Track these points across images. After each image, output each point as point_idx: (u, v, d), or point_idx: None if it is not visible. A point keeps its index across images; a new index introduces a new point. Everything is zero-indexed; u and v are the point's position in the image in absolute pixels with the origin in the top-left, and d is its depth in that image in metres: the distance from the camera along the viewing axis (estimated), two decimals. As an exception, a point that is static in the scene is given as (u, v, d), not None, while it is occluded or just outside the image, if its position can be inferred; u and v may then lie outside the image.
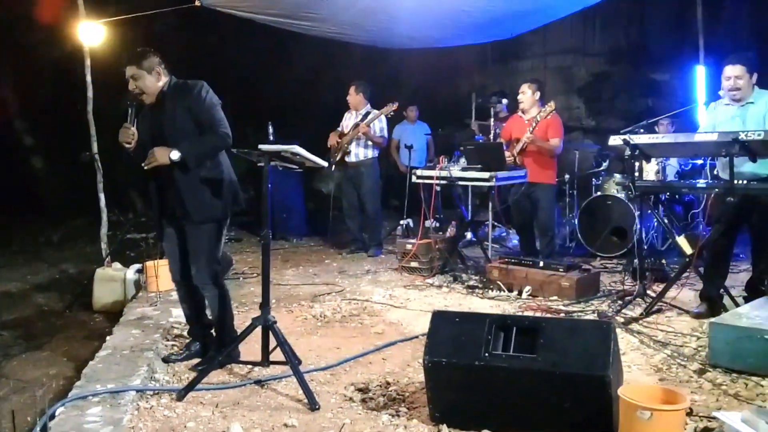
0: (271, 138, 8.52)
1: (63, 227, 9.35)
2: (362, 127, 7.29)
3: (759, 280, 4.86)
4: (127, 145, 3.77)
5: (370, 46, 8.26)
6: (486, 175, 6.09)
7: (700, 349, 4.12)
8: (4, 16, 9.37)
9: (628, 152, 4.86)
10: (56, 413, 3.19)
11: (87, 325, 5.20)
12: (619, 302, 5.19)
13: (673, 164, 6.97)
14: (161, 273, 5.28)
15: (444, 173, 6.39)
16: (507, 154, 6.31)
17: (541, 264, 5.70)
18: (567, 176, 7.92)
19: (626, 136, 4.82)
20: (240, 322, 4.34)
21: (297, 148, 3.61)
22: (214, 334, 4.11)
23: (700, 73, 7.42)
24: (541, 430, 2.96)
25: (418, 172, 6.71)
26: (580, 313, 5.06)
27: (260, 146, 3.65)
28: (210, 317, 4.11)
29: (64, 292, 6.12)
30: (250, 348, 3.98)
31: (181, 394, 3.48)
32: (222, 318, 3.98)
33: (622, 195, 7.22)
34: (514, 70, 11.46)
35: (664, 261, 6.15)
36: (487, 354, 3.02)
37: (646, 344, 4.29)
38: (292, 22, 6.90)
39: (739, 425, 2.74)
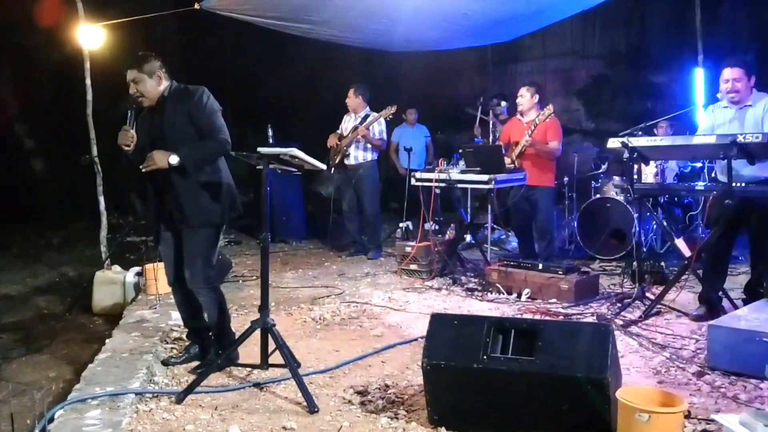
0: (271, 140, 8.55)
1: (63, 230, 9.36)
2: (361, 129, 7.30)
3: (757, 283, 4.87)
4: (126, 148, 3.77)
5: (369, 48, 8.27)
6: (485, 177, 6.10)
7: (698, 351, 4.13)
8: (3, 18, 9.38)
9: (626, 155, 4.88)
10: (55, 416, 3.20)
11: (86, 328, 5.20)
12: (618, 305, 5.19)
13: (672, 167, 6.98)
14: (160, 276, 5.27)
15: (443, 176, 6.40)
16: (506, 159, 6.32)
17: (540, 266, 5.71)
18: (566, 179, 7.92)
19: (625, 139, 4.83)
20: (239, 324, 4.35)
21: (295, 151, 3.62)
22: (212, 337, 4.11)
23: (699, 75, 7.42)
24: (539, 433, 2.97)
25: (417, 174, 6.72)
26: (579, 316, 5.06)
27: (259, 149, 3.65)
28: (206, 321, 4.11)
29: (64, 295, 6.12)
30: (249, 351, 3.99)
31: (180, 397, 3.48)
32: (220, 321, 3.98)
33: (621, 197, 7.23)
34: (514, 73, 11.48)
35: (663, 263, 6.16)
36: (485, 356, 3.02)
37: (645, 347, 4.29)
38: (291, 25, 6.91)
39: (738, 428, 2.74)
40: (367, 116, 7.42)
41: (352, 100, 7.53)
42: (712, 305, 4.82)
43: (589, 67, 11.17)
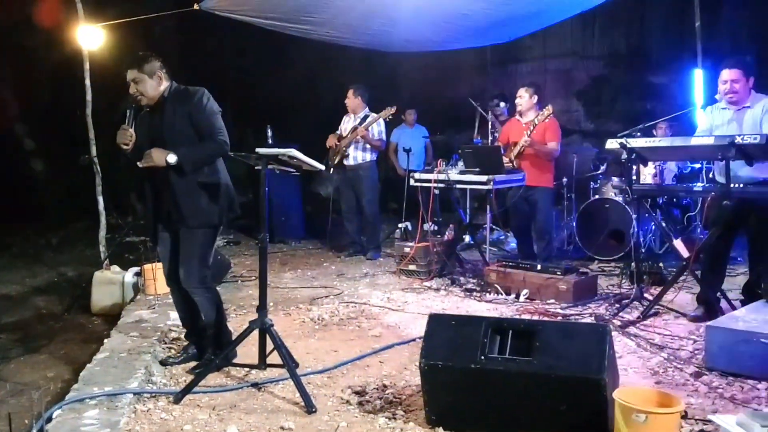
0: (270, 141, 8.55)
1: (62, 230, 9.36)
2: (360, 130, 7.31)
3: (756, 284, 4.86)
4: (125, 147, 3.78)
5: (369, 49, 8.27)
6: (484, 178, 6.11)
7: (696, 352, 4.13)
8: (4, 19, 9.39)
9: (625, 155, 4.88)
10: (53, 416, 3.20)
11: (85, 328, 5.21)
12: (617, 305, 5.20)
13: (671, 167, 6.98)
14: (159, 276, 5.29)
15: (442, 176, 6.40)
16: (504, 159, 6.33)
17: (539, 267, 5.71)
18: (565, 179, 7.93)
19: (623, 140, 4.83)
20: (238, 325, 4.36)
21: (294, 152, 3.63)
22: (210, 337, 4.11)
23: (699, 76, 7.43)
24: (536, 433, 2.97)
25: (416, 175, 6.72)
26: (577, 316, 5.07)
27: (257, 150, 3.66)
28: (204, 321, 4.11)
29: (63, 295, 6.13)
30: (248, 351, 4.00)
31: (178, 397, 3.49)
32: (216, 321, 3.98)
33: (619, 198, 7.23)
34: (514, 74, 11.47)
35: (661, 264, 6.16)
36: (483, 357, 3.02)
37: (643, 347, 4.29)
38: (291, 26, 6.92)
39: (735, 428, 2.75)
40: (366, 117, 7.42)
41: (351, 100, 7.54)
42: (710, 306, 4.83)
43: (588, 67, 11.17)
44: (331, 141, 7.59)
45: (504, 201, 6.75)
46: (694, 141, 4.66)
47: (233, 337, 4.06)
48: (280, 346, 3.65)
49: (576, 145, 9.92)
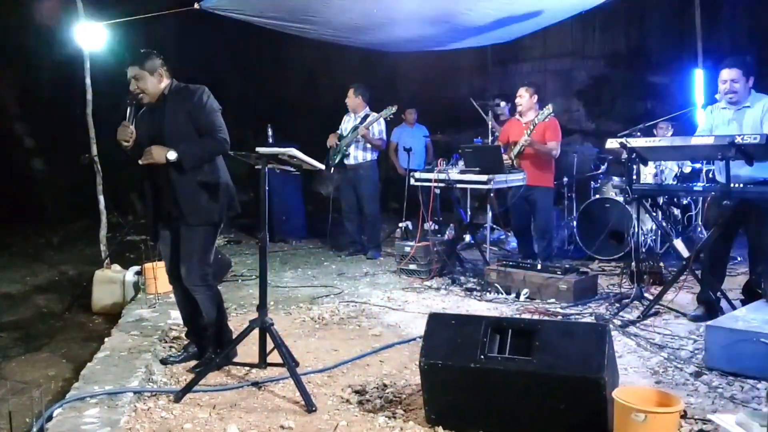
0: (271, 140, 8.55)
1: (63, 229, 9.37)
2: (361, 129, 7.31)
3: (756, 283, 4.87)
4: (125, 143, 3.78)
5: (369, 49, 8.28)
6: (484, 177, 6.11)
7: (696, 352, 4.14)
8: (4, 18, 9.39)
9: (625, 155, 4.88)
10: (54, 414, 3.21)
11: (86, 327, 5.21)
12: (617, 305, 5.20)
13: (672, 167, 6.98)
14: (160, 275, 5.29)
15: (442, 176, 6.40)
16: (504, 157, 6.33)
17: (539, 267, 5.71)
18: (566, 179, 7.94)
19: (623, 140, 4.84)
20: (238, 324, 4.36)
21: (294, 151, 3.63)
22: (210, 335, 4.11)
23: (699, 76, 7.43)
24: (536, 432, 2.98)
25: (417, 174, 6.73)
26: (577, 316, 5.07)
27: (258, 149, 3.66)
28: (205, 319, 4.12)
29: (64, 293, 6.13)
30: (248, 350, 4.00)
31: (178, 396, 3.49)
32: (217, 320, 3.99)
33: (620, 198, 7.23)
34: (514, 73, 11.47)
35: (662, 264, 6.16)
36: (482, 356, 3.03)
37: (643, 347, 4.30)
38: (291, 25, 6.92)
39: (734, 428, 2.75)
40: (366, 116, 7.43)
41: (352, 100, 7.55)
42: (710, 306, 4.83)
43: (589, 67, 11.17)
44: (331, 140, 7.59)
45: (504, 200, 6.75)
46: (694, 141, 4.67)
47: (234, 336, 4.06)
48: (280, 345, 3.65)
49: (576, 144, 9.91)
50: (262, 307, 3.71)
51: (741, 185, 4.57)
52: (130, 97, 3.83)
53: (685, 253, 5.06)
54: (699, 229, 7.11)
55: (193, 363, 4.05)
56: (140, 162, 3.73)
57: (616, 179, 7.51)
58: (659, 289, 5.25)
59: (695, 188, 5.59)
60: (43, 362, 4.37)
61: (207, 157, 3.82)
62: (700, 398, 3.45)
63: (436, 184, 6.47)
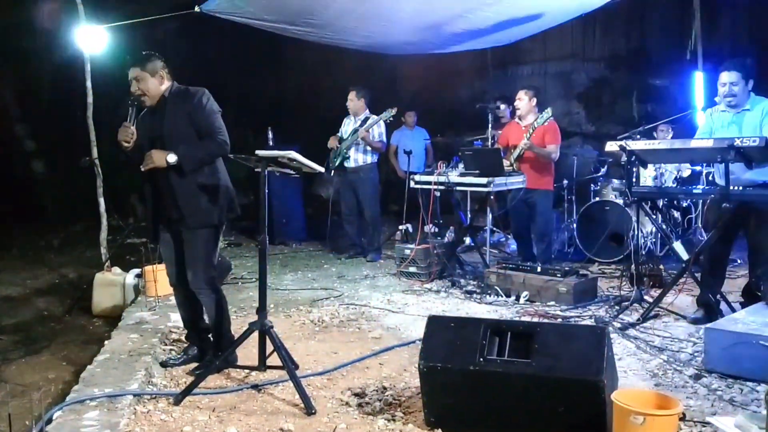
0: (271, 143, 8.55)
1: (63, 232, 9.37)
2: (361, 132, 7.32)
3: (755, 286, 4.87)
4: (126, 144, 3.79)
5: (369, 51, 8.29)
6: (484, 180, 6.11)
7: (696, 354, 4.14)
8: (4, 21, 9.41)
9: (624, 158, 4.89)
10: (53, 417, 3.21)
11: (86, 330, 5.21)
12: (617, 307, 5.20)
13: (671, 170, 6.99)
14: (160, 278, 5.29)
15: (442, 178, 6.41)
16: (504, 161, 6.33)
17: (539, 269, 5.72)
18: (565, 181, 7.94)
19: (623, 142, 4.84)
20: (238, 326, 4.36)
21: (293, 154, 3.63)
22: (211, 338, 4.12)
23: (699, 78, 7.44)
24: (535, 435, 2.98)
25: (417, 177, 6.73)
26: (577, 319, 5.07)
27: (257, 152, 3.67)
28: (207, 322, 4.12)
29: (64, 296, 6.13)
30: (248, 353, 4.00)
31: (178, 399, 3.50)
32: (219, 323, 3.99)
33: (620, 201, 7.24)
34: (514, 76, 11.48)
35: (661, 266, 6.16)
36: (481, 359, 3.03)
37: (643, 349, 4.30)
38: (291, 28, 6.93)
39: (733, 430, 2.76)
40: (366, 119, 7.44)
41: (354, 102, 7.54)
42: (710, 308, 4.83)
43: (589, 70, 11.19)
44: (332, 143, 7.60)
45: (504, 203, 6.75)
46: (694, 143, 4.66)
47: (234, 339, 4.06)
48: (279, 348, 3.66)
49: (576, 147, 9.92)
50: (261, 309, 3.72)
51: (740, 188, 4.57)
52: (131, 98, 3.84)
53: (685, 256, 5.05)
54: (699, 231, 7.11)
55: (193, 366, 4.05)
56: (141, 168, 3.74)
57: (616, 182, 7.51)
58: (659, 291, 5.25)
59: (695, 191, 5.59)
60: (43, 365, 4.37)
61: (207, 159, 3.82)
62: (700, 401, 3.45)
63: (436, 187, 6.47)
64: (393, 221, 9.12)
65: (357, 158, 7.50)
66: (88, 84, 6.02)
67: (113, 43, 6.19)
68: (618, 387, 3.15)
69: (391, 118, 7.42)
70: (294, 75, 11.50)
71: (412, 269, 6.57)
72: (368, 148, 7.45)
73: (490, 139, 7.64)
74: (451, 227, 7.26)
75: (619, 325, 4.76)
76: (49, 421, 3.17)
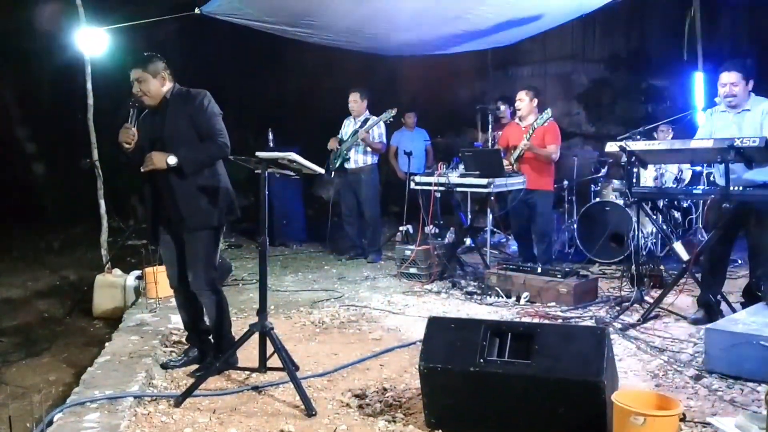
0: (271, 144, 8.56)
1: (63, 234, 9.37)
2: (361, 133, 7.32)
3: (756, 286, 4.87)
4: (127, 146, 3.79)
5: (369, 53, 8.29)
6: (484, 181, 6.12)
7: (696, 355, 4.14)
8: (5, 23, 9.42)
9: (625, 158, 4.89)
10: (54, 419, 3.21)
11: (87, 332, 5.22)
12: (617, 308, 5.20)
13: (671, 170, 6.99)
14: (161, 279, 5.29)
15: (442, 179, 6.41)
16: (504, 162, 6.33)
17: (540, 270, 5.72)
18: (566, 182, 7.94)
19: (623, 143, 4.84)
20: (239, 328, 4.36)
21: (293, 155, 3.64)
22: (212, 340, 4.12)
23: (699, 79, 7.44)
24: (535, 436, 2.98)
25: (417, 178, 6.73)
26: (577, 319, 5.07)
27: (257, 153, 3.67)
28: (208, 324, 4.13)
29: (65, 298, 6.14)
30: (248, 354, 4.01)
31: (178, 400, 3.50)
32: (220, 324, 3.99)
33: (620, 201, 7.24)
34: (514, 77, 11.48)
35: (662, 267, 6.16)
36: (482, 360, 3.03)
37: (643, 350, 4.30)
38: (291, 30, 6.93)
39: (733, 431, 2.75)
40: (366, 120, 7.44)
41: (358, 104, 7.52)
42: (710, 309, 4.83)
43: (589, 70, 11.18)
44: (332, 144, 7.60)
45: (504, 204, 6.75)
46: (694, 144, 4.67)
47: (234, 341, 4.06)
48: (280, 350, 3.66)
49: (577, 147, 9.92)
50: (262, 311, 3.72)
51: (740, 188, 4.57)
52: (132, 99, 3.85)
53: (685, 256, 5.05)
54: (699, 232, 7.11)
55: (193, 367, 4.06)
56: (142, 170, 3.74)
57: (616, 182, 7.51)
58: (659, 292, 5.25)
59: (695, 191, 5.59)
60: (43, 367, 4.37)
61: (207, 161, 3.83)
62: (700, 401, 3.45)
63: (436, 188, 6.47)
64: (393, 222, 9.13)
65: (357, 159, 7.50)
66: (89, 86, 6.02)
67: (113, 45, 6.19)
68: (618, 388, 3.15)
69: (391, 119, 7.43)
70: (294, 76, 11.50)
71: (413, 270, 6.57)
72: (368, 149, 7.46)
73: (490, 140, 7.64)
74: (452, 228, 7.26)
75: (619, 326, 4.76)
76: (50, 423, 3.17)
